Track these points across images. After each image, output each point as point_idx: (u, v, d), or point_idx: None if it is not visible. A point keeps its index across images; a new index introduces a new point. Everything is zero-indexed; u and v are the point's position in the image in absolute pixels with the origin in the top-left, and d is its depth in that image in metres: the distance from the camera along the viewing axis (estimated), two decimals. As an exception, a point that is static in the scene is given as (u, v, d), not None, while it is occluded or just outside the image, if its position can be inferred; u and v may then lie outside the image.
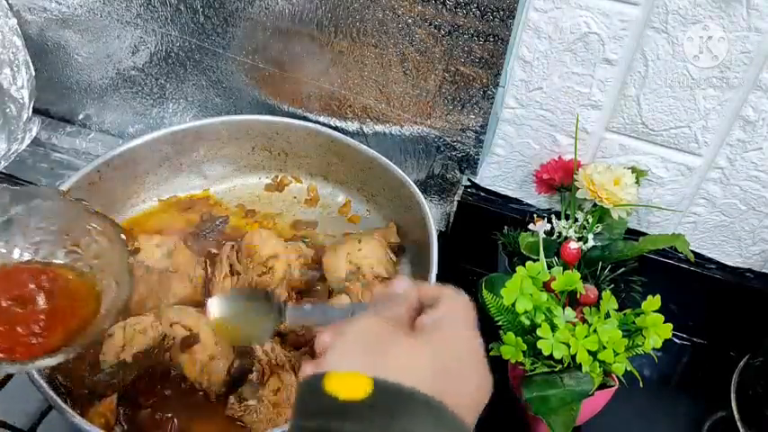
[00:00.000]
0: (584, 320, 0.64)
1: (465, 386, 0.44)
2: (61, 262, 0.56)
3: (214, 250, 0.81)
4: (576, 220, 0.76)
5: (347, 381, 0.39)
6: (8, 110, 0.95)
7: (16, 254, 0.57)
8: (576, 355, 0.61)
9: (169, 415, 0.66)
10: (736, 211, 0.76)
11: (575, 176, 0.74)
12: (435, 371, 0.41)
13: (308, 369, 0.41)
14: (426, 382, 0.40)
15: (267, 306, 0.53)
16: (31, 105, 0.96)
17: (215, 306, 0.53)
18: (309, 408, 0.40)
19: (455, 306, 0.47)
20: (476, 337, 0.46)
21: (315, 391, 0.39)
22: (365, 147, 0.84)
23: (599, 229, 0.75)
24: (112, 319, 0.54)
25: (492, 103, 0.77)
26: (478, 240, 0.84)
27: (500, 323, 0.66)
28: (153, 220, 0.87)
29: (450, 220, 0.90)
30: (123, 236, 0.56)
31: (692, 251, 0.76)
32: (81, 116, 1.04)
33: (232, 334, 0.54)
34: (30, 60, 0.94)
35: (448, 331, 0.44)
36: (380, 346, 0.42)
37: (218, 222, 0.87)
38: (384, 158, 0.82)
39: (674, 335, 0.83)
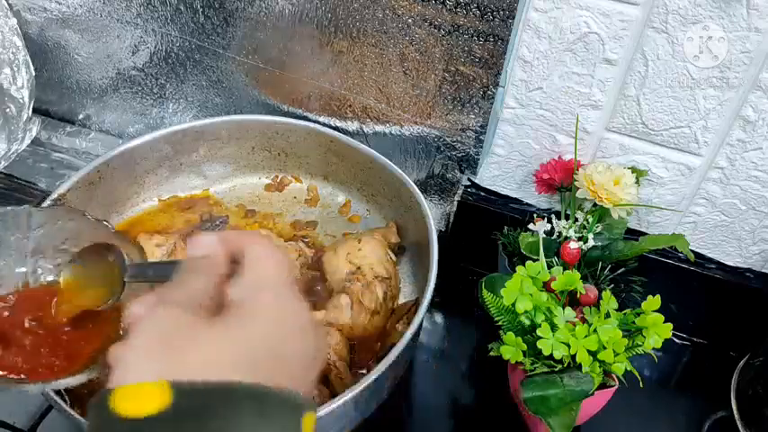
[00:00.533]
0: (584, 320, 0.64)
1: (295, 362, 0.39)
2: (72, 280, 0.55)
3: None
4: (576, 219, 0.76)
5: (137, 394, 0.33)
6: (8, 110, 0.95)
7: (40, 275, 0.56)
8: (575, 355, 0.61)
9: None
10: (737, 210, 0.76)
11: (575, 176, 0.75)
12: (251, 356, 0.36)
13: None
14: (240, 370, 0.35)
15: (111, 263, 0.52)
16: (31, 105, 0.96)
17: (67, 269, 0.53)
18: None
19: (264, 266, 0.41)
20: (293, 299, 0.40)
21: (103, 415, 0.33)
22: (365, 147, 0.84)
23: (599, 229, 0.75)
24: (108, 343, 0.52)
25: (492, 103, 0.77)
26: (478, 240, 0.84)
27: (500, 323, 0.66)
28: (153, 219, 0.87)
29: (451, 220, 0.90)
30: (144, 255, 0.56)
31: (692, 251, 0.76)
32: (81, 116, 1.04)
33: (81, 295, 0.53)
34: (30, 60, 0.94)
35: (260, 303, 0.39)
36: (178, 342, 0.36)
37: (218, 222, 0.87)
38: (384, 158, 0.82)
39: (673, 335, 0.83)
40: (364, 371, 0.72)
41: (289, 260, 0.43)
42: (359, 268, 0.76)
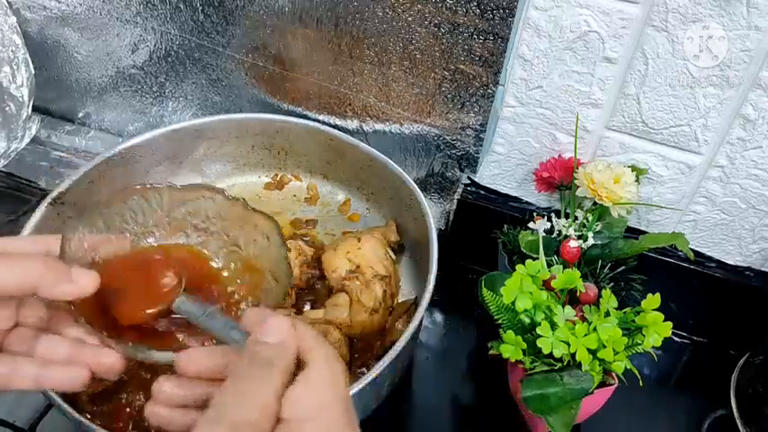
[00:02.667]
0: (583, 319, 0.64)
1: None
2: (220, 264, 0.55)
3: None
4: (576, 218, 0.76)
5: None
6: (8, 108, 0.95)
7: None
8: (575, 353, 0.61)
9: None
10: (736, 209, 0.76)
11: (575, 175, 0.74)
12: None
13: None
14: None
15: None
16: (31, 104, 0.96)
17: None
18: None
19: (325, 382, 0.39)
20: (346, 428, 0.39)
21: None
22: (365, 145, 0.84)
23: (599, 228, 0.75)
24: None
25: (492, 102, 0.77)
26: (478, 239, 0.84)
27: (500, 321, 0.66)
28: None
29: (450, 219, 0.90)
30: (282, 233, 0.54)
31: (691, 249, 0.76)
32: (81, 114, 1.04)
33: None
34: (29, 59, 0.94)
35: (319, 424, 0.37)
36: None
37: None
38: (384, 157, 0.82)
39: (673, 333, 0.83)
40: (364, 369, 0.72)
41: (346, 373, 0.41)
42: (358, 267, 0.76)
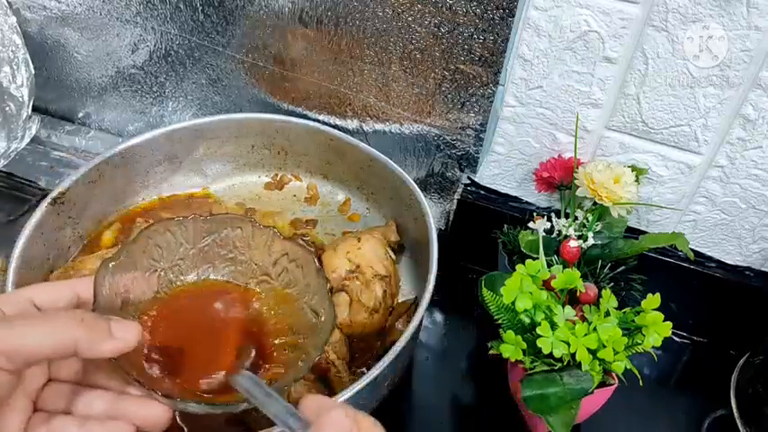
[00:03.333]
0: (583, 319, 0.64)
1: None
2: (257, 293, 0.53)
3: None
4: (576, 218, 0.76)
5: None
6: (8, 108, 0.94)
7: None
8: (575, 353, 0.61)
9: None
10: (736, 209, 0.76)
11: (574, 175, 0.74)
12: None
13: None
14: None
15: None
16: (31, 103, 0.95)
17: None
18: None
19: None
20: None
21: None
22: (365, 145, 0.84)
23: (599, 228, 0.75)
24: (318, 353, 0.48)
25: (492, 102, 0.77)
26: (478, 238, 0.84)
27: (500, 321, 0.66)
28: (152, 218, 0.86)
29: (450, 219, 0.90)
30: (317, 261, 0.52)
31: (691, 249, 0.76)
32: (81, 114, 1.04)
33: None
34: (29, 58, 0.94)
35: None
36: None
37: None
38: (384, 157, 0.82)
39: (673, 333, 0.83)
40: (363, 369, 0.72)
41: None
42: (358, 267, 0.76)
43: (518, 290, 0.63)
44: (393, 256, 0.80)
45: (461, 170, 0.86)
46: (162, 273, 0.51)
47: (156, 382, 0.45)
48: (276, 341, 0.51)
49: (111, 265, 0.47)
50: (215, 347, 0.48)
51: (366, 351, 0.74)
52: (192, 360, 0.47)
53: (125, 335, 0.40)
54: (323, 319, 0.50)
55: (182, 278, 0.53)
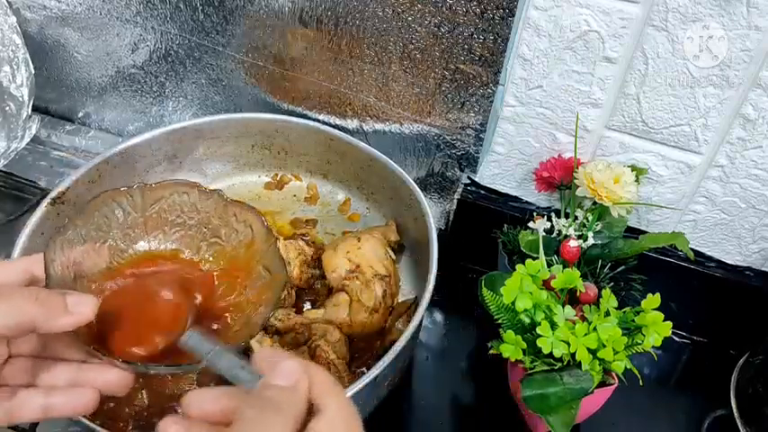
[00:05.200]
0: (583, 318, 0.64)
1: None
2: (206, 256, 0.54)
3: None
4: (576, 218, 0.76)
5: None
6: (8, 108, 0.94)
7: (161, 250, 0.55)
8: (575, 353, 0.61)
9: None
10: (736, 209, 0.76)
11: (574, 174, 0.74)
12: None
13: None
14: None
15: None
16: (31, 103, 0.95)
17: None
18: None
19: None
20: None
21: None
22: (365, 145, 0.84)
23: (599, 228, 0.75)
24: (271, 308, 0.50)
25: (492, 102, 0.77)
26: (478, 238, 0.84)
27: (500, 321, 0.66)
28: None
29: (450, 219, 0.90)
30: (266, 222, 0.54)
31: (691, 249, 0.76)
32: (81, 114, 1.04)
33: None
34: (29, 58, 0.94)
35: None
36: None
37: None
38: (384, 156, 0.82)
39: (673, 333, 0.83)
40: (363, 369, 0.72)
41: (359, 420, 0.39)
42: (358, 266, 0.76)
43: (518, 290, 0.63)
44: (393, 256, 0.80)
45: (461, 170, 0.86)
46: (112, 242, 0.52)
47: (116, 348, 0.46)
48: (231, 301, 0.52)
49: (59, 240, 0.48)
50: (165, 312, 0.49)
51: (366, 351, 0.74)
52: (146, 325, 0.48)
53: (81, 308, 0.41)
54: (274, 274, 0.51)
55: (133, 246, 0.54)
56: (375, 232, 0.81)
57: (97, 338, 0.46)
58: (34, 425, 0.71)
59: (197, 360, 0.44)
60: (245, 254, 0.54)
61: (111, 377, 0.44)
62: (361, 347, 0.74)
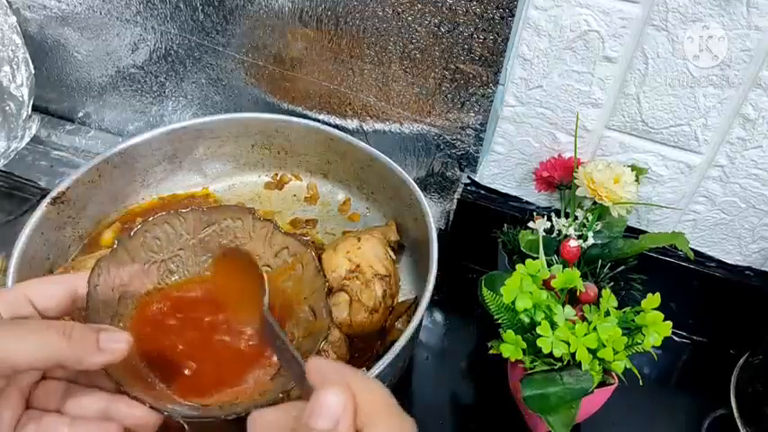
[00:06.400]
0: (583, 318, 0.64)
1: None
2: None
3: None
4: (576, 218, 0.76)
5: None
6: (7, 108, 0.95)
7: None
8: (575, 353, 0.61)
9: None
10: (736, 209, 0.76)
11: (574, 174, 0.74)
12: None
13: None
14: None
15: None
16: (31, 103, 0.96)
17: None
18: None
19: None
20: None
21: None
22: (365, 145, 0.84)
23: (599, 227, 0.75)
24: (313, 351, 0.47)
25: (492, 101, 0.77)
26: (478, 238, 0.84)
27: (500, 321, 0.66)
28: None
29: (450, 218, 0.90)
30: (316, 259, 0.52)
31: (691, 249, 0.76)
32: (81, 114, 1.04)
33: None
34: (29, 58, 0.94)
35: None
36: None
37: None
38: (384, 156, 0.82)
39: (673, 333, 0.83)
40: (363, 369, 0.72)
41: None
42: (358, 266, 0.76)
43: (518, 289, 0.63)
44: (393, 256, 0.80)
45: (461, 170, 0.86)
46: (161, 263, 0.52)
47: (147, 388, 0.44)
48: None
49: (105, 263, 0.47)
50: (231, 359, 0.48)
51: (366, 351, 0.74)
52: (189, 369, 0.47)
53: (113, 346, 0.40)
54: (319, 319, 0.50)
55: (182, 268, 0.53)
56: (375, 232, 0.81)
57: (132, 373, 0.44)
58: None
59: (229, 410, 0.43)
60: (293, 289, 0.52)
61: (140, 413, 0.42)
62: (361, 347, 0.74)
